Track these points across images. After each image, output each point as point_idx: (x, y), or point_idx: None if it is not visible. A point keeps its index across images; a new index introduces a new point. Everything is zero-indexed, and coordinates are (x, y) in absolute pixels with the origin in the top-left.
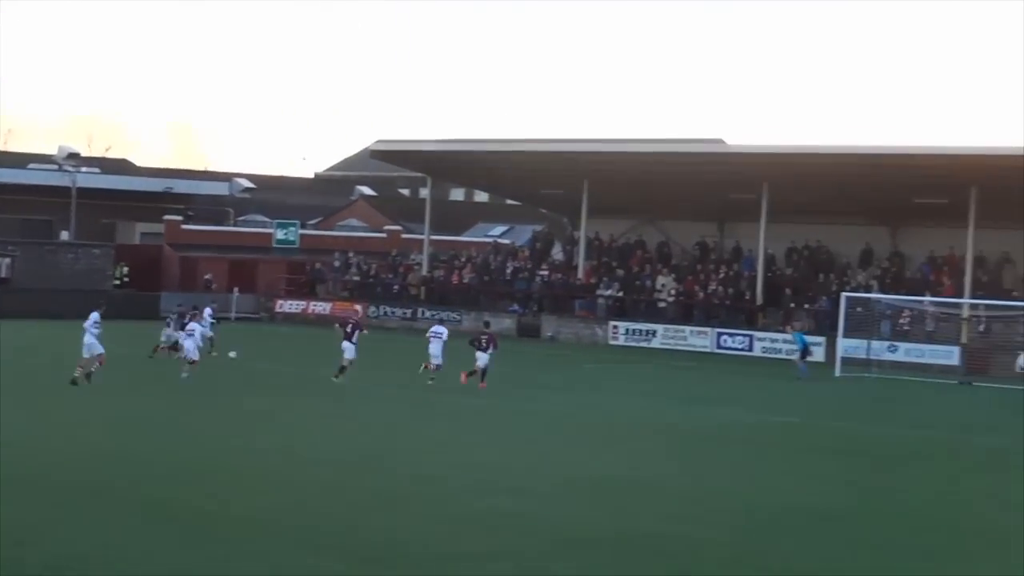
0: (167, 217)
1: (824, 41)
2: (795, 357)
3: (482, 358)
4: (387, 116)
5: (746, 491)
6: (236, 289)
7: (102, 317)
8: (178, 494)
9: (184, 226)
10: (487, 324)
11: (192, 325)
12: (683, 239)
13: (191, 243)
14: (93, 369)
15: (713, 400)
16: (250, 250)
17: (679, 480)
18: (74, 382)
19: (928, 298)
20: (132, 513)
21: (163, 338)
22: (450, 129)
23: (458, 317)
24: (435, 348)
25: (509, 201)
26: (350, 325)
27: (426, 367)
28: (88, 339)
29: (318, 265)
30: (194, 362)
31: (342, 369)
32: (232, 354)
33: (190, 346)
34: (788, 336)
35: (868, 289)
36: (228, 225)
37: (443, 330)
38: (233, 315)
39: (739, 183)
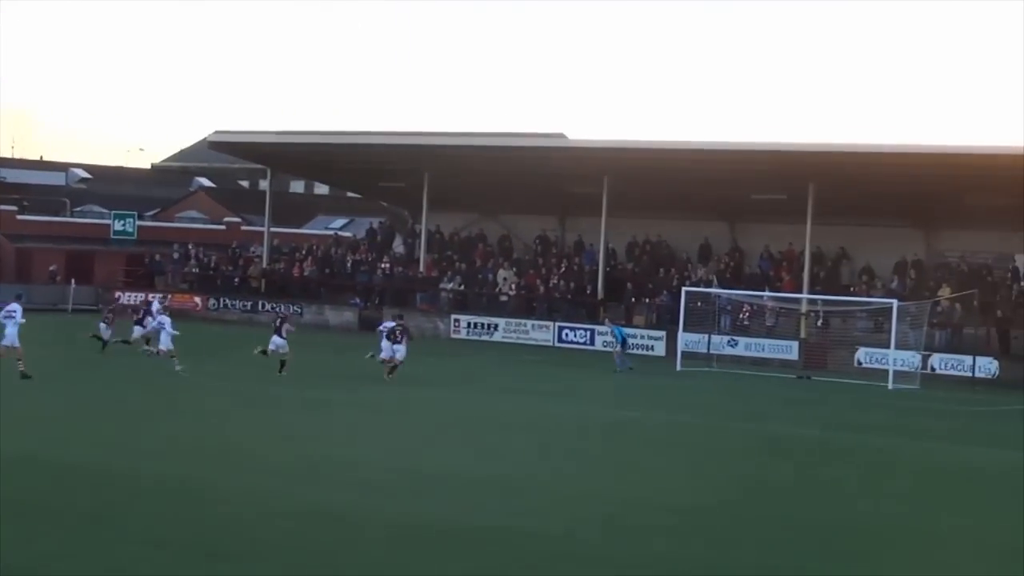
0: (1, 207)
1: (669, 33)
2: (614, 351)
3: (399, 350)
4: (226, 106)
5: (594, 485)
6: (73, 281)
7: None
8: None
9: (19, 216)
10: (400, 316)
11: (162, 319)
12: (524, 233)
13: (27, 234)
14: (18, 362)
15: (552, 394)
16: (88, 241)
17: (526, 474)
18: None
19: (767, 293)
20: None
21: (103, 335)
22: (290, 120)
23: (299, 310)
24: (385, 343)
25: (350, 194)
26: (278, 319)
27: (385, 363)
28: (10, 330)
29: (157, 257)
30: (162, 352)
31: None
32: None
33: (165, 339)
34: (607, 328)
35: (708, 284)
36: (65, 216)
37: (391, 324)
38: (71, 307)
39: (580, 177)
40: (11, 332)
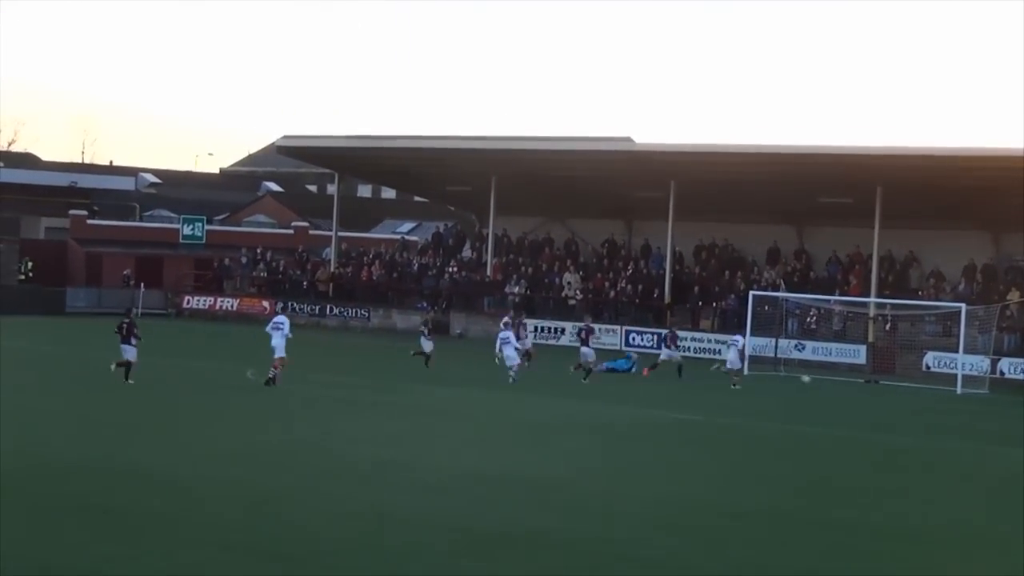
0: (72, 212)
1: (736, 38)
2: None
3: (586, 353)
4: (294, 111)
5: (656, 489)
6: (142, 285)
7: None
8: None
9: (90, 221)
10: (587, 318)
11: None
12: (591, 237)
13: (97, 238)
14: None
15: (624, 398)
16: (156, 246)
17: (590, 477)
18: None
19: (835, 297)
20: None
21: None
22: (358, 125)
23: (366, 314)
24: (277, 340)
25: (417, 198)
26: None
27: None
28: (277, 340)
29: (226, 261)
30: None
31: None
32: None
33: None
34: (698, 335)
35: (775, 288)
36: (134, 220)
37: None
38: (139, 311)
39: (647, 181)
40: (278, 344)
